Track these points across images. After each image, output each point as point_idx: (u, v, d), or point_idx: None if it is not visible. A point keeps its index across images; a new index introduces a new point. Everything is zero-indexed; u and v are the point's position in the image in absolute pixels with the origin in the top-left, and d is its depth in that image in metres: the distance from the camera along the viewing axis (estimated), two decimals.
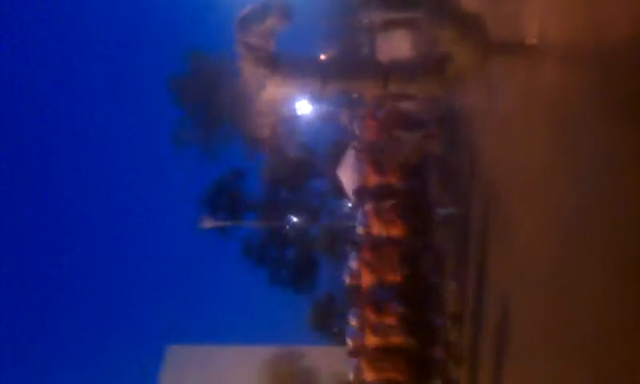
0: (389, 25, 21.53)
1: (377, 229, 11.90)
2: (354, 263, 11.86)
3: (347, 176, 17.46)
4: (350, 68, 7.71)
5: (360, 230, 12.13)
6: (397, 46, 23.62)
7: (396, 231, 11.73)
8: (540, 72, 6.74)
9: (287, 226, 39.87)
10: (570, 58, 5.93)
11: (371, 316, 11.21)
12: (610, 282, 4.65)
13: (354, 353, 11.63)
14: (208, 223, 36.04)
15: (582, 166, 5.37)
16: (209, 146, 41.22)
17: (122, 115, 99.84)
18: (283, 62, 7.16)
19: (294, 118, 36.84)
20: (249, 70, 7.31)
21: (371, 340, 11.16)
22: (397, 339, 11.03)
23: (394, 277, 11.37)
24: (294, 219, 40.75)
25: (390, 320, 11.08)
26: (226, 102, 35.15)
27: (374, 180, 12.44)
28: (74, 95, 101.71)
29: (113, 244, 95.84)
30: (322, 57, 8.20)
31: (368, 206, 12.28)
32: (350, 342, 11.82)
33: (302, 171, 40.31)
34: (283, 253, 42.28)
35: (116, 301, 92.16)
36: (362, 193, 13.02)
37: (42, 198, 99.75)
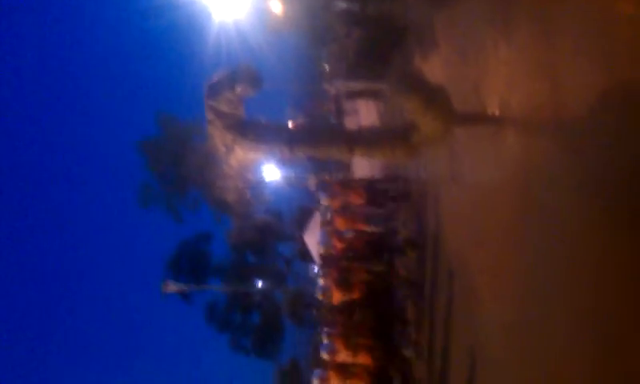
0: (355, 94, 22.03)
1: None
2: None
3: (313, 240, 17.50)
4: (316, 135, 7.82)
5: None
6: (363, 114, 24.13)
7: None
8: (502, 142, 6.91)
9: (252, 291, 39.40)
10: (532, 127, 6.12)
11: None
12: (575, 349, 4.70)
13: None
14: (171, 287, 35.36)
15: (545, 235, 5.49)
16: (175, 209, 40.91)
17: (91, 174, 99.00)
18: (251, 128, 7.25)
19: (261, 182, 36.96)
20: (217, 135, 7.37)
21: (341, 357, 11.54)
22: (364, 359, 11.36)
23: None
24: (260, 283, 40.32)
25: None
26: (194, 166, 35.15)
27: (338, 296, 12.59)
28: (44, 152, 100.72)
29: (75, 304, 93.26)
30: (290, 123, 8.31)
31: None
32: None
33: (269, 235, 40.15)
34: (248, 318, 41.59)
35: (76, 362, 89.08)
36: (327, 260, 13.22)
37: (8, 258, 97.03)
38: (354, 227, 13.45)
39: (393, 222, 13.57)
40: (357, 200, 13.81)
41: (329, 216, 14.20)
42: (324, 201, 14.67)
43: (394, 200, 13.70)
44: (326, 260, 13.29)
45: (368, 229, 13.42)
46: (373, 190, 13.91)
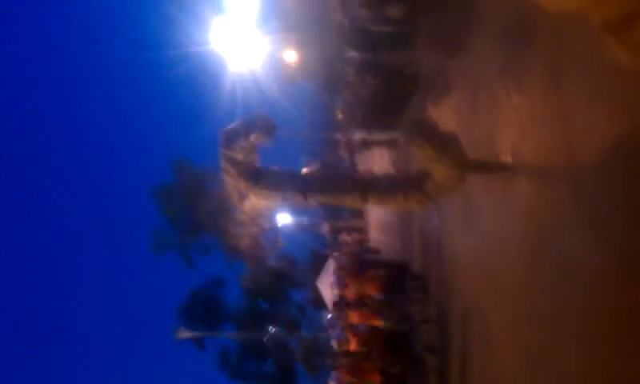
0: (368, 142, 22.20)
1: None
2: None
3: (326, 287, 17.38)
4: (330, 182, 7.89)
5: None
6: (376, 162, 24.24)
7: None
8: (515, 188, 6.94)
9: (266, 338, 39.03)
10: (544, 174, 6.15)
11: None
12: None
13: None
14: (184, 334, 35.13)
15: (558, 280, 5.47)
16: (188, 255, 40.97)
17: (104, 219, 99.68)
18: (265, 176, 7.33)
19: (275, 228, 37.02)
20: (231, 183, 7.46)
21: None
22: None
23: None
24: (273, 330, 39.97)
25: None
26: (207, 212, 35.35)
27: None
28: (60, 199, 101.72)
29: (89, 351, 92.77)
30: (303, 171, 8.38)
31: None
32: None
33: (282, 281, 39.99)
34: (261, 365, 41.13)
35: None
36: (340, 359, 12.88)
37: (19, 306, 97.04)
38: (369, 322, 12.80)
39: (411, 317, 12.74)
40: (372, 291, 13.31)
41: (341, 310, 13.48)
42: (336, 292, 14.12)
43: (412, 291, 13.01)
44: (339, 359, 12.84)
45: (384, 324, 12.73)
46: (389, 280, 13.29)
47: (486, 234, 8.36)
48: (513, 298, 6.88)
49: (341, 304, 13.35)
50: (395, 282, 13.17)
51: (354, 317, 12.98)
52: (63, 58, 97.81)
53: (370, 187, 7.41)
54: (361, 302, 13.05)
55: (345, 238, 31.49)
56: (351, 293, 13.39)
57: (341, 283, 13.84)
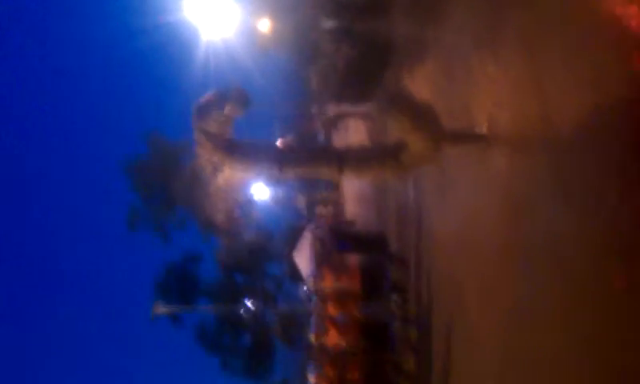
0: (343, 115, 22.05)
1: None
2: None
3: (303, 259, 17.35)
4: (306, 154, 7.78)
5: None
6: (352, 133, 24.15)
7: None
8: (491, 160, 6.92)
9: (242, 311, 39.03)
10: (520, 144, 6.12)
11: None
12: (565, 364, 4.66)
13: None
14: (161, 309, 34.97)
15: (534, 251, 5.47)
16: (163, 230, 40.56)
17: (77, 196, 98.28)
18: (240, 148, 7.19)
19: (250, 201, 36.82)
20: (205, 155, 7.30)
21: None
22: None
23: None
24: (250, 304, 39.97)
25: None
26: (182, 186, 34.97)
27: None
28: (30, 174, 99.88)
29: (64, 329, 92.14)
30: (279, 143, 8.25)
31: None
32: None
33: (258, 255, 39.87)
34: (238, 339, 41.14)
35: None
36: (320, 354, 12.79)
37: None
38: (349, 312, 12.69)
39: (390, 309, 12.66)
40: (351, 284, 13.11)
41: (320, 302, 13.33)
42: (315, 284, 13.96)
43: (392, 284, 12.83)
44: (320, 354, 12.78)
45: (364, 314, 12.65)
46: (369, 271, 13.07)
47: (462, 208, 8.35)
48: (491, 274, 6.88)
49: (318, 296, 13.24)
50: (374, 272, 12.97)
51: (332, 309, 12.86)
52: (30, 28, 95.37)
53: (346, 159, 7.32)
54: (339, 294, 12.90)
55: (321, 210, 31.51)
56: (329, 283, 13.22)
57: (317, 274, 13.67)
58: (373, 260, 13.49)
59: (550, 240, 5.13)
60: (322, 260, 13.60)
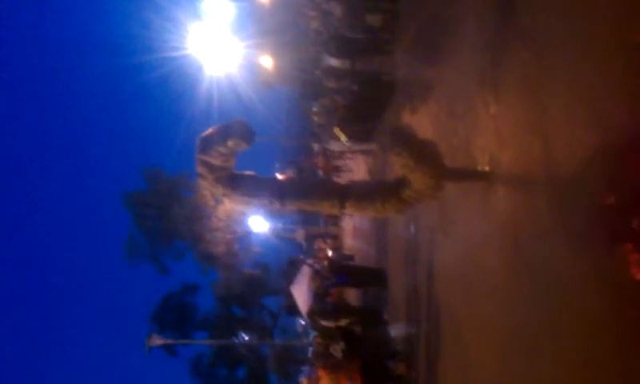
0: (345, 149, 22.17)
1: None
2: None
3: (300, 294, 17.29)
4: (308, 188, 7.82)
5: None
6: (354, 169, 24.24)
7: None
8: (492, 197, 6.96)
9: (239, 344, 38.76)
10: (521, 183, 6.17)
11: None
12: None
13: None
14: (156, 340, 34.66)
15: (534, 290, 5.48)
16: (160, 262, 40.52)
17: (77, 227, 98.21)
18: (242, 182, 7.24)
19: (249, 234, 36.84)
20: (207, 189, 7.34)
21: None
22: None
23: None
24: (246, 337, 39.69)
25: None
26: (180, 218, 35.03)
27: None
28: (31, 208, 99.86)
29: (61, 361, 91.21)
30: (280, 177, 8.30)
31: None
32: None
33: (255, 288, 39.75)
34: (233, 372, 40.79)
35: None
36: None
37: None
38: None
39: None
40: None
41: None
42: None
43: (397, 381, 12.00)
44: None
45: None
46: (370, 370, 11.92)
47: (463, 244, 8.36)
48: (490, 311, 6.87)
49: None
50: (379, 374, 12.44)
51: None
52: (36, 63, 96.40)
53: (347, 193, 7.36)
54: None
55: (320, 244, 31.43)
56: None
57: (313, 377, 13.26)
58: (372, 295, 13.41)
59: (549, 281, 5.15)
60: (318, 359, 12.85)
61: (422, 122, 10.69)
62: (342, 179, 21.34)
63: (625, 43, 4.14)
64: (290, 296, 21.75)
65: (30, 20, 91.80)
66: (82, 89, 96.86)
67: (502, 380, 6.36)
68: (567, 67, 5.06)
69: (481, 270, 7.34)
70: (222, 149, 6.61)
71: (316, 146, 30.30)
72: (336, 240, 31.48)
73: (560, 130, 5.17)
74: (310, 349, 12.96)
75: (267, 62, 25.95)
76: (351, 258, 24.60)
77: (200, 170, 6.99)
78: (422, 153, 6.67)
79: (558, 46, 5.29)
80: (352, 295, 20.05)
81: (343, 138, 18.09)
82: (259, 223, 35.05)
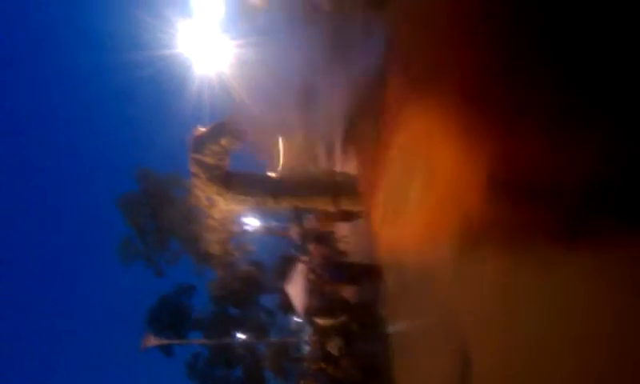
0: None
1: None
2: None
3: (296, 292, 17.30)
4: (300, 186, 7.86)
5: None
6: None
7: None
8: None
9: (234, 344, 38.79)
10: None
11: None
12: None
13: None
14: (152, 341, 34.63)
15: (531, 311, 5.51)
16: (155, 263, 40.42)
17: (70, 229, 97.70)
18: (236, 180, 7.27)
19: (243, 233, 36.80)
20: (201, 188, 7.37)
21: None
22: None
23: None
24: (242, 336, 39.70)
25: None
26: (174, 219, 34.95)
27: None
28: (23, 209, 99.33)
29: (56, 361, 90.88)
30: (273, 175, 8.35)
31: None
32: None
33: (251, 287, 39.71)
34: (230, 371, 40.75)
35: None
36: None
37: None
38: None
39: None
40: None
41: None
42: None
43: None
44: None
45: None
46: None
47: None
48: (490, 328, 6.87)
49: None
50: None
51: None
52: (20, 59, 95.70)
53: (340, 190, 7.42)
54: None
55: (314, 241, 31.40)
56: None
57: None
58: (366, 291, 13.40)
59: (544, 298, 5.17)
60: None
61: None
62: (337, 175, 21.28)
63: None
64: (285, 294, 21.77)
65: (14, 16, 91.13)
66: (68, 87, 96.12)
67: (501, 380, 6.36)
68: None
69: (479, 294, 7.30)
70: (215, 147, 6.64)
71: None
72: (330, 236, 31.47)
73: None
74: (307, 348, 12.91)
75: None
76: (344, 253, 24.67)
77: (194, 169, 7.03)
78: None
79: None
80: (347, 292, 20.07)
81: None
82: (254, 221, 35.01)
